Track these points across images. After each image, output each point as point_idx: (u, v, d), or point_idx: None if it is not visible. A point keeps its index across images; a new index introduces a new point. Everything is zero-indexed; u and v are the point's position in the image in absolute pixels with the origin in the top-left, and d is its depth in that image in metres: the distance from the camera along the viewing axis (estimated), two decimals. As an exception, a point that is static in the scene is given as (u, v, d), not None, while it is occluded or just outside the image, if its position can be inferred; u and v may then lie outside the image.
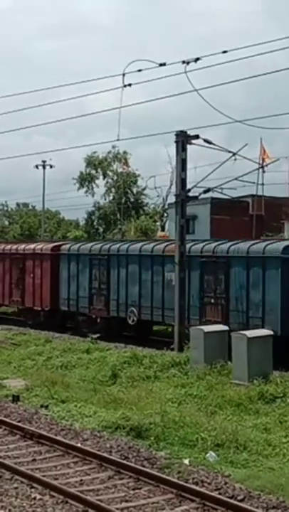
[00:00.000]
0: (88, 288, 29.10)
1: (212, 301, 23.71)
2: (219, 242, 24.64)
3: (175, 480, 10.79)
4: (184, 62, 21.18)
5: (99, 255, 28.98)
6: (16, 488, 10.60)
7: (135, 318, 26.62)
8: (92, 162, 67.51)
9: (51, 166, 60.70)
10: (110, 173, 67.71)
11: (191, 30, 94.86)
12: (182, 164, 23.49)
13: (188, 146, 23.41)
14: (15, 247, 35.27)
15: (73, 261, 30.33)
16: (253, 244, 23.19)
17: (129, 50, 75.82)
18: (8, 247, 35.76)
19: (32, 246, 33.75)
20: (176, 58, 21.34)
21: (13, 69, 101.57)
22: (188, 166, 24.08)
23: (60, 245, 32.27)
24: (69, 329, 30.17)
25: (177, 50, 70.43)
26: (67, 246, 31.62)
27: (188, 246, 24.40)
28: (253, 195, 40.85)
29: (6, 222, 79.09)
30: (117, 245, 28.61)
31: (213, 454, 12.43)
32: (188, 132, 23.37)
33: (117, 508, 9.68)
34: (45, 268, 31.53)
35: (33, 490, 10.51)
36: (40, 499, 10.13)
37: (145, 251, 26.96)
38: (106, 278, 28.37)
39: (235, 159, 24.13)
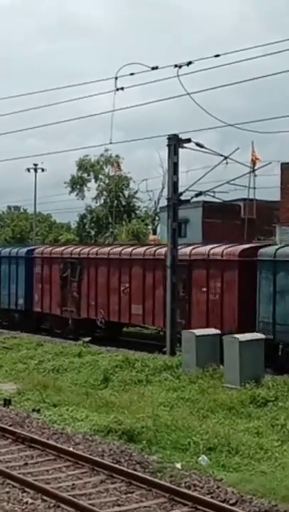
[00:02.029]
0: None
1: None
2: None
3: (167, 484, 10.78)
4: (176, 66, 21.25)
5: None
6: (7, 492, 10.56)
7: None
8: (83, 165, 67.56)
9: (43, 170, 60.65)
10: (102, 177, 67.78)
11: (187, 34, 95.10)
12: (174, 168, 23.52)
13: (183, 150, 23.47)
14: None
15: (283, 270, 21.53)
16: None
17: (125, 54, 75.88)
18: (162, 250, 25.75)
19: (203, 249, 24.90)
20: (170, 62, 21.36)
21: (10, 71, 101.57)
22: (182, 169, 24.08)
23: (255, 248, 23.32)
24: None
25: (172, 54, 70.57)
26: (271, 249, 22.49)
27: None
28: (244, 199, 41.00)
29: (-3, 226, 79.01)
30: None
31: (205, 457, 12.42)
32: (182, 136, 23.43)
33: (109, 513, 9.67)
34: (228, 280, 23.21)
35: (24, 494, 10.48)
36: (32, 503, 10.10)
37: None
38: None
39: (226, 163, 24.21)
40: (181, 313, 24.38)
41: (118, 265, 27.57)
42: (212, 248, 24.40)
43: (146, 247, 28.43)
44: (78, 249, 30.48)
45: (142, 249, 27.53)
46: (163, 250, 25.37)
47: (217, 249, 24.13)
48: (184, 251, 25.01)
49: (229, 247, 24.14)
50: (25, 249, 33.74)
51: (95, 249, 29.88)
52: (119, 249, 28.64)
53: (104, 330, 28.77)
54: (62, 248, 32.10)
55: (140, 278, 26.46)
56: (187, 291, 24.53)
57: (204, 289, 23.94)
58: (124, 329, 30.98)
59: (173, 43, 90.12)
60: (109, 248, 29.46)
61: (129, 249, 28.11)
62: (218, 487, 10.79)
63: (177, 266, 24.07)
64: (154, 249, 26.88)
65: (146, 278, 26.14)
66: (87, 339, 25.96)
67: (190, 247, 25.50)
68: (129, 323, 28.28)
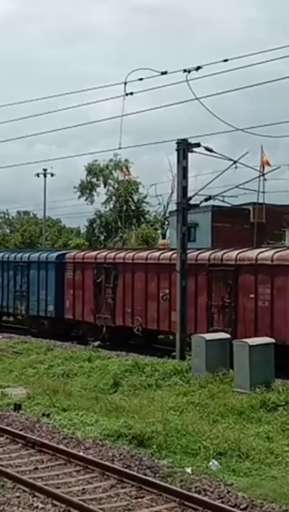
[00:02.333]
0: None
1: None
2: None
3: (178, 489, 10.78)
4: (185, 70, 21.28)
5: None
6: (18, 497, 10.58)
7: None
8: (93, 170, 67.73)
9: (52, 175, 60.84)
10: (111, 182, 67.93)
11: (194, 39, 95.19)
12: (183, 172, 23.52)
13: (193, 154, 23.49)
14: (217, 254, 24.38)
15: None
16: None
17: (132, 60, 76.11)
18: (205, 255, 24.80)
19: (251, 254, 23.18)
20: (179, 67, 21.41)
21: (16, 77, 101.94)
22: (192, 173, 24.09)
23: None
24: None
25: (180, 59, 70.65)
26: None
27: None
28: (254, 203, 40.91)
29: (7, 231, 79.19)
30: None
31: (216, 462, 12.41)
32: (191, 140, 23.45)
33: (120, 517, 9.67)
34: (279, 286, 21.71)
35: (35, 499, 10.49)
36: (42, 508, 10.12)
37: None
38: None
39: (236, 167, 24.22)
40: (226, 321, 23.27)
41: (157, 270, 26.23)
42: (261, 252, 23.04)
43: (188, 251, 25.38)
44: (113, 254, 29.17)
45: (217, 254, 24.81)
46: (206, 255, 24.66)
47: (266, 254, 22.71)
48: (230, 255, 23.85)
49: (280, 251, 22.91)
50: (55, 254, 32.81)
51: (132, 253, 28.47)
52: (158, 253, 27.27)
53: (140, 338, 27.66)
54: (96, 253, 30.58)
55: None
56: (233, 297, 23.15)
57: (252, 296, 22.49)
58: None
59: (180, 47, 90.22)
60: (146, 252, 27.95)
61: (169, 253, 26.53)
62: (228, 492, 10.78)
63: (222, 271, 23.48)
64: (196, 253, 25.05)
65: (188, 283, 23.90)
66: (96, 343, 25.96)
67: (236, 251, 23.92)
68: (168, 331, 26.16)
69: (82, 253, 31.51)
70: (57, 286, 31.15)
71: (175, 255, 24.93)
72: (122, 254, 28.68)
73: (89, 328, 29.49)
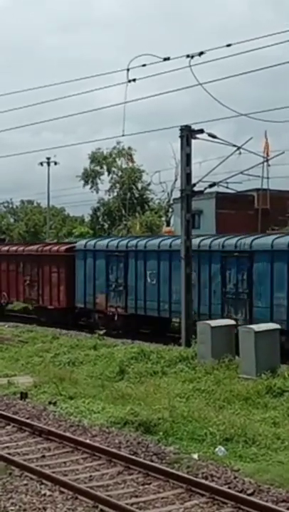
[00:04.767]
0: None
1: None
2: None
3: (184, 475, 10.80)
4: (188, 56, 21.18)
5: None
6: (25, 484, 10.62)
7: None
8: (96, 158, 67.56)
9: (55, 163, 60.72)
10: (115, 169, 67.75)
11: (199, 24, 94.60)
12: (187, 159, 23.45)
13: (199, 140, 23.38)
14: None
15: None
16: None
17: (137, 44, 75.81)
18: None
19: None
20: (183, 53, 21.28)
21: (22, 63, 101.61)
22: (198, 159, 24.11)
23: None
24: None
25: (184, 45, 70.40)
26: None
27: None
28: (258, 189, 40.78)
29: (11, 220, 79.19)
30: None
31: (222, 448, 12.43)
32: (196, 127, 23.34)
33: (127, 504, 9.69)
34: None
35: (42, 486, 10.53)
36: (49, 495, 10.15)
37: None
38: None
39: (240, 153, 24.14)
40: None
41: None
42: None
43: None
44: None
45: None
46: None
47: None
48: None
49: None
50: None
51: None
52: None
53: None
54: None
55: None
56: None
57: None
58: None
59: (184, 32, 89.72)
60: None
61: None
62: (235, 477, 10.80)
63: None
64: None
65: None
66: (102, 332, 25.97)
67: None
68: None
69: None
70: None
71: None
72: None
73: None
